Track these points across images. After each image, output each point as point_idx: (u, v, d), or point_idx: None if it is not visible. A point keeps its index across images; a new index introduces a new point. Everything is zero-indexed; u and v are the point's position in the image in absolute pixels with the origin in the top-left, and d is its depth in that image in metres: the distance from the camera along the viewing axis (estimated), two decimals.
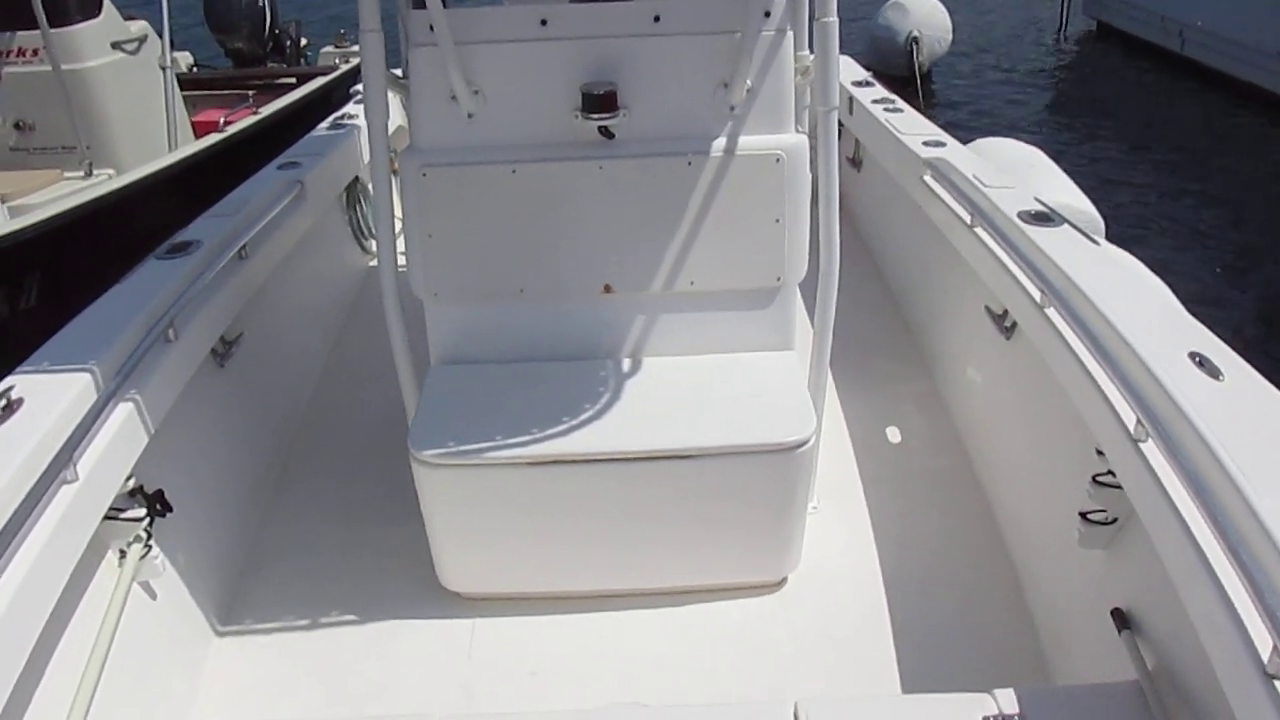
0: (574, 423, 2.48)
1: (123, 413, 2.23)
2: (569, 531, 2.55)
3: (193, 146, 6.03)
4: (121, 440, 2.20)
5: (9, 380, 2.19)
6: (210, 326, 2.81)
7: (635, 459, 2.43)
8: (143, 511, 2.27)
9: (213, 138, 6.19)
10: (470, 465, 2.43)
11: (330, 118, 4.80)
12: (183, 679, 2.46)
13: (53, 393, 2.14)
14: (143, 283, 2.68)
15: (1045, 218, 2.88)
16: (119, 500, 2.22)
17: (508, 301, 2.68)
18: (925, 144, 3.71)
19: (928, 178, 3.54)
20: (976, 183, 3.19)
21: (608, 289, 2.65)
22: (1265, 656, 1.48)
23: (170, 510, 2.37)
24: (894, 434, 3.38)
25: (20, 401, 2.11)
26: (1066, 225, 2.85)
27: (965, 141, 3.89)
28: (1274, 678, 1.45)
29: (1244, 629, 1.54)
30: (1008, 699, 1.94)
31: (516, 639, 2.61)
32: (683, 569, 2.65)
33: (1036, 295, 2.59)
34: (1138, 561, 2.13)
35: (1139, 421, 1.98)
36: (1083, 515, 2.27)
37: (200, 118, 6.92)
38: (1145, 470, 1.92)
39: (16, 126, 5.93)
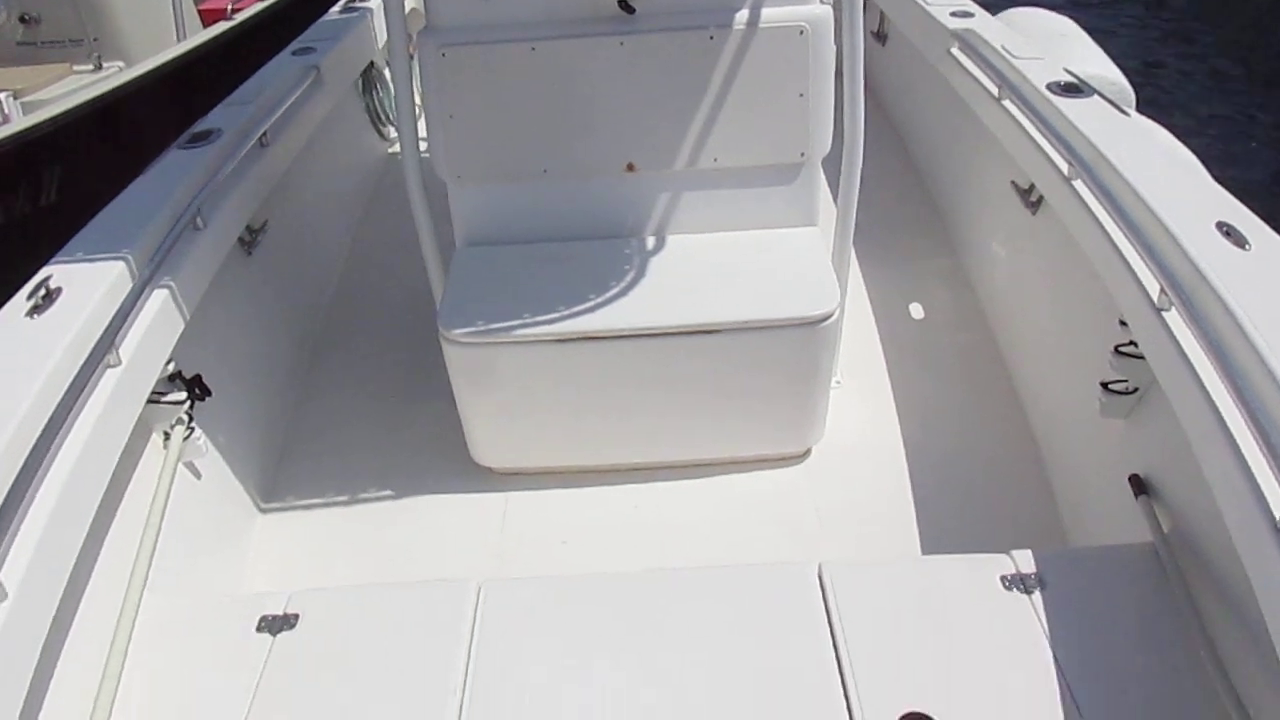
0: (600, 300, 2.51)
1: (158, 299, 2.27)
2: (597, 407, 2.61)
3: (203, 35, 5.92)
4: (159, 326, 2.25)
5: (46, 270, 2.23)
6: (236, 214, 2.83)
7: (661, 334, 2.47)
8: (183, 395, 2.34)
9: (222, 26, 6.07)
10: (499, 343, 2.47)
11: (341, 1, 4.70)
12: (231, 552, 2.57)
13: (90, 281, 2.18)
14: (167, 173, 2.69)
15: (1074, 89, 2.82)
16: (160, 385, 2.28)
17: (531, 181, 2.68)
18: (953, 15, 3.61)
19: (955, 49, 3.46)
20: (1005, 54, 3.12)
21: (631, 167, 2.64)
22: (1278, 514, 1.52)
23: (209, 394, 2.44)
24: (917, 310, 3.39)
25: (59, 290, 2.15)
26: (1096, 96, 2.79)
27: (995, 12, 3.78)
28: None
29: (1259, 489, 1.58)
30: (1025, 559, 2.01)
31: (548, 511, 2.70)
32: (709, 442, 2.72)
33: (1064, 167, 2.56)
34: (1157, 429, 2.17)
35: (1163, 290, 1.98)
36: (1104, 385, 2.30)
37: (206, 5, 6.78)
38: (1168, 338, 1.94)
39: (22, 20, 5.83)
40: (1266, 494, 1.56)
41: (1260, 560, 1.55)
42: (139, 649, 1.96)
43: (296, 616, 2.01)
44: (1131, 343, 2.18)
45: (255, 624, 2.00)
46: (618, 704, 1.81)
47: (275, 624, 2.00)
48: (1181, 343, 1.90)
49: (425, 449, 2.92)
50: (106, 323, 2.08)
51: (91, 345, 2.00)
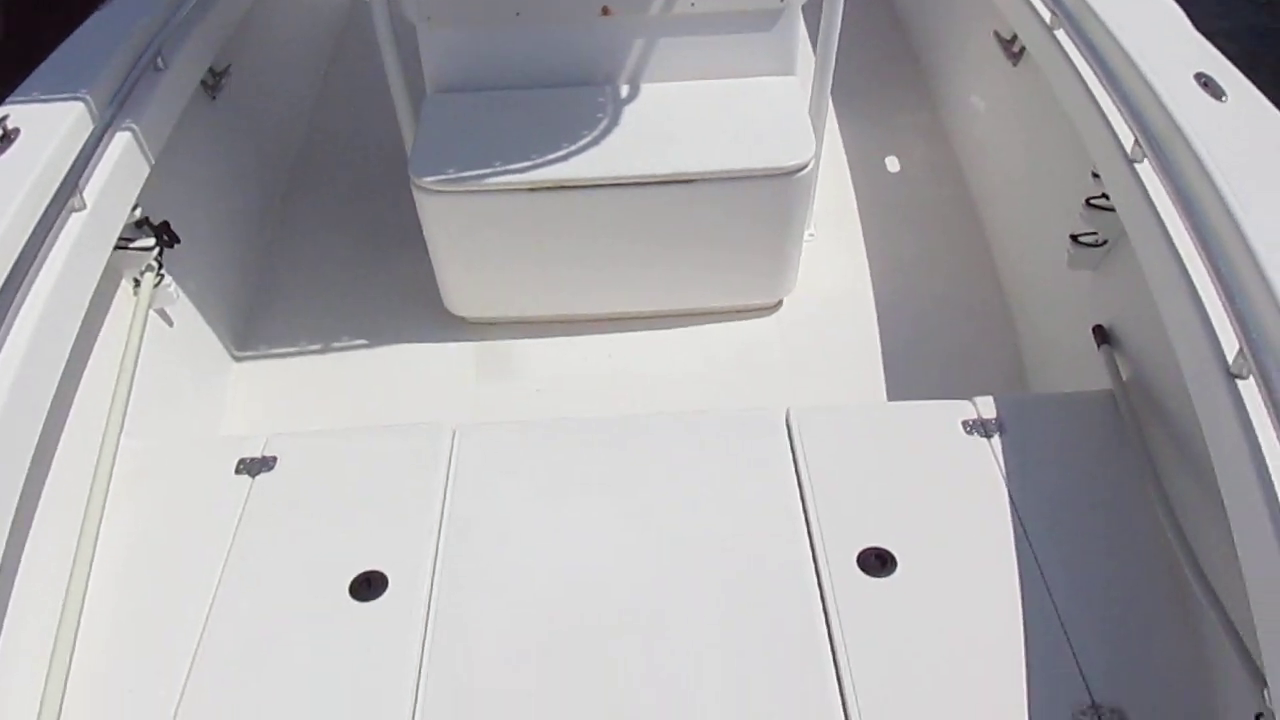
0: (574, 148, 2.47)
1: (121, 142, 2.22)
2: (571, 256, 2.61)
3: None
4: (124, 169, 2.20)
5: (2, 110, 2.16)
6: (198, 55, 2.73)
7: (634, 184, 2.45)
8: (151, 241, 2.31)
9: None
10: (471, 191, 2.45)
11: None
12: (208, 399, 2.60)
13: (48, 122, 2.12)
14: (124, 10, 2.58)
15: None
16: (128, 230, 2.25)
17: (503, 25, 2.60)
18: None
19: None
20: None
21: (605, 10, 2.56)
22: (1230, 357, 1.57)
23: (178, 241, 2.41)
24: (893, 163, 3.37)
25: (17, 131, 2.09)
26: None
27: None
28: (1236, 376, 1.55)
29: (1214, 334, 1.62)
30: (986, 405, 2.07)
31: (522, 360, 2.74)
32: (682, 292, 2.74)
33: (1047, 16, 2.51)
34: (1122, 281, 2.21)
35: (1136, 141, 1.98)
36: (1073, 238, 2.32)
37: None
38: (1139, 189, 1.95)
39: None
40: (1220, 336, 1.61)
41: (1210, 402, 1.61)
42: (118, 495, 2.00)
43: (275, 459, 2.06)
44: (1103, 195, 2.19)
45: (234, 466, 2.05)
46: (591, 542, 1.89)
47: (254, 466, 2.05)
48: (1151, 194, 1.91)
49: (399, 297, 2.93)
50: (69, 165, 2.03)
51: (55, 188, 1.96)
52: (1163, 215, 1.86)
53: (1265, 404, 1.44)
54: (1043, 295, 2.63)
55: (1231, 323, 1.56)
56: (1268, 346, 1.48)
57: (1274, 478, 1.39)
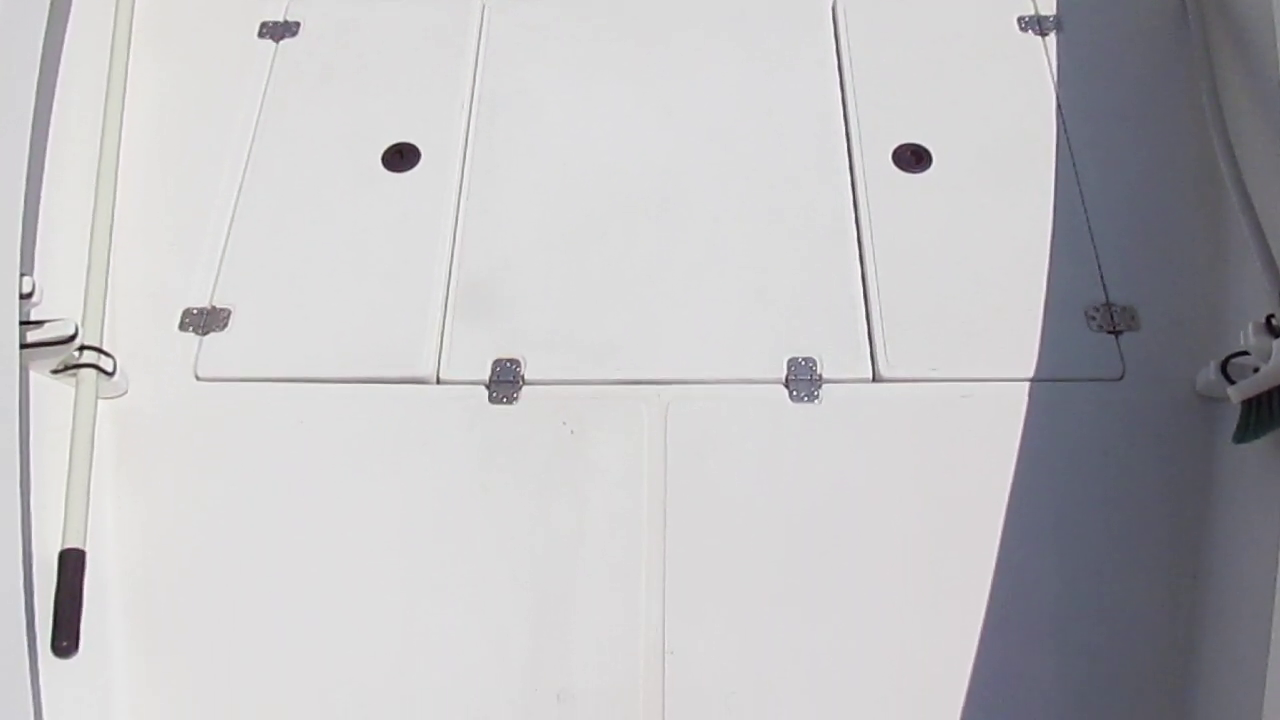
0: None
1: None
2: None
3: None
4: None
5: None
6: None
7: None
8: None
9: None
10: None
11: None
12: None
13: None
14: None
15: None
16: None
17: None
18: None
19: None
20: None
21: None
22: None
23: None
24: None
25: None
26: None
27: None
28: None
29: None
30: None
31: None
32: None
33: None
34: None
35: None
36: None
37: None
38: None
39: None
40: None
41: None
42: (140, 51, 1.91)
43: (298, 24, 1.98)
44: None
45: (256, 29, 1.97)
46: (624, 122, 1.86)
47: (277, 30, 1.97)
48: None
49: None
50: None
51: None
52: None
53: None
54: None
55: None
56: None
57: None
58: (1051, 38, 1.92)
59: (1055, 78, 1.87)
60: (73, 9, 1.82)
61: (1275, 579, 1.21)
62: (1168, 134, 1.82)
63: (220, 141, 1.85)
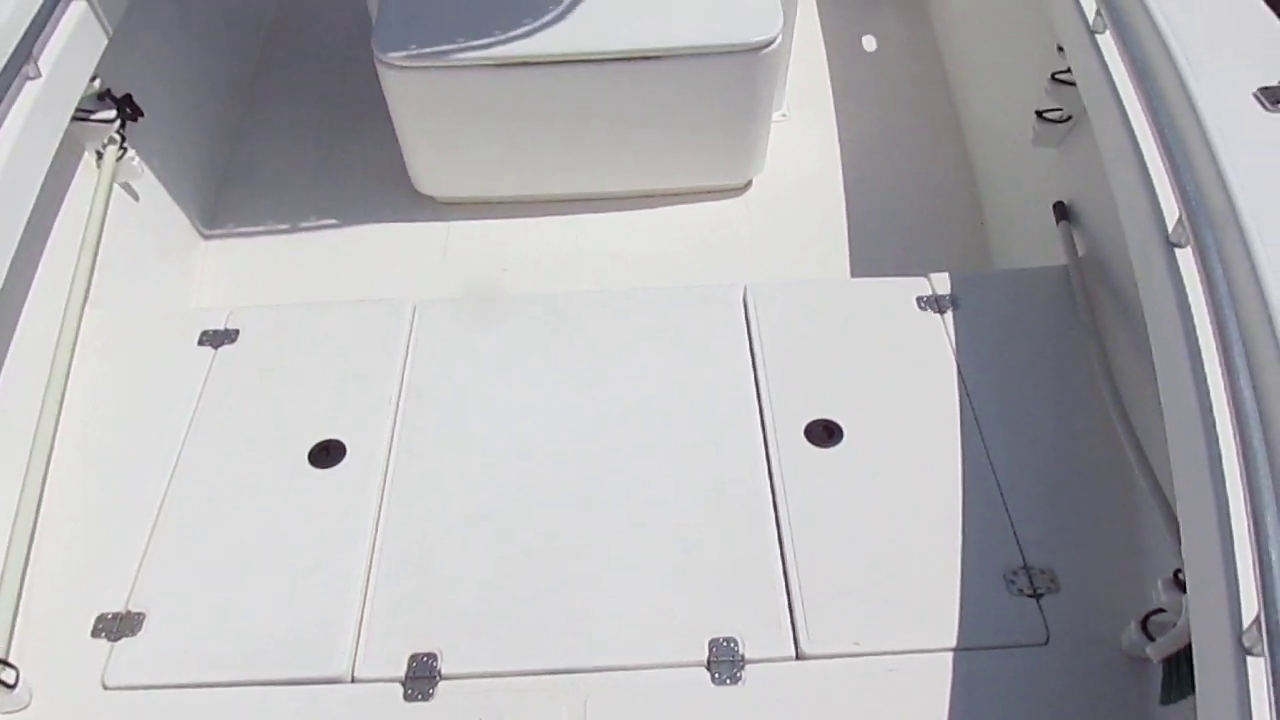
0: (540, 23, 2.43)
1: (78, 10, 2.17)
2: (538, 135, 2.59)
3: None
4: (80, 37, 2.16)
5: None
6: None
7: (599, 60, 2.41)
8: (113, 113, 2.29)
9: None
10: (435, 68, 2.41)
11: None
12: (175, 274, 2.61)
13: None
14: None
15: None
16: (87, 102, 2.23)
17: None
18: None
19: None
20: None
21: None
22: (1170, 225, 1.58)
23: (141, 114, 2.38)
24: (870, 42, 3.31)
25: None
26: None
27: None
28: (1175, 245, 1.56)
29: (1158, 204, 1.63)
30: (941, 281, 2.09)
31: (490, 239, 2.74)
32: (650, 172, 2.73)
33: None
34: (1082, 157, 2.20)
35: (1098, 12, 1.95)
36: (1039, 114, 2.30)
37: None
38: (1097, 60, 1.93)
39: None
40: (1163, 205, 1.62)
41: (1148, 269, 1.63)
42: (82, 363, 2.03)
43: (237, 332, 2.08)
44: (1067, 69, 2.16)
45: (196, 338, 2.07)
46: (545, 412, 1.93)
47: (216, 338, 2.07)
48: (1110, 65, 1.89)
49: (369, 175, 2.92)
50: (22, 32, 1.99)
51: (7, 56, 1.93)
52: (1119, 86, 1.84)
53: (1198, 269, 1.46)
54: (1008, 173, 2.62)
55: (1175, 196, 1.57)
56: (1205, 214, 1.50)
57: (1200, 340, 1.42)
58: (949, 315, 2.04)
59: (956, 351, 1.98)
60: (20, 320, 1.93)
61: None
62: (1067, 397, 1.90)
63: (152, 444, 1.90)
